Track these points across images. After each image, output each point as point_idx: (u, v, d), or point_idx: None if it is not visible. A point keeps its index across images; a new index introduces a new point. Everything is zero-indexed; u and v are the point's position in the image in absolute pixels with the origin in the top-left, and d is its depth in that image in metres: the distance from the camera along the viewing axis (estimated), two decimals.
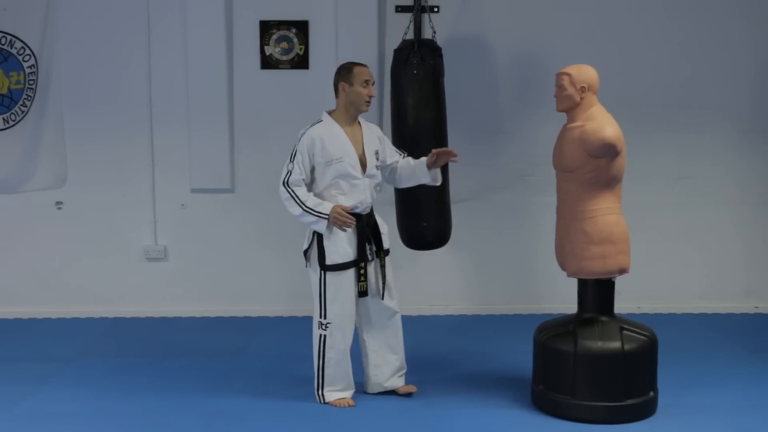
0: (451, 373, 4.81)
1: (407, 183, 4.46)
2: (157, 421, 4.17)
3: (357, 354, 4.44)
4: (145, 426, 4.11)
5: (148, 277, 5.92)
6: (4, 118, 5.70)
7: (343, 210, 4.17)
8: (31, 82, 5.71)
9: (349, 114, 4.29)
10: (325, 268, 4.23)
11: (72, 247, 5.90)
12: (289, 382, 4.65)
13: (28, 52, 5.68)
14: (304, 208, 4.17)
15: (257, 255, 5.92)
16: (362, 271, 4.25)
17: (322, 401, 4.35)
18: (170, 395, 4.49)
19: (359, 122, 4.34)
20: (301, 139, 4.24)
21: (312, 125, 4.28)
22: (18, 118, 5.72)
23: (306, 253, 4.31)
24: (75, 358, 5.10)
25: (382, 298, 4.36)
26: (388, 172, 4.44)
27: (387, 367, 4.44)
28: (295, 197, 4.19)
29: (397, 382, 4.47)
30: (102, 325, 5.76)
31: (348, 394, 4.37)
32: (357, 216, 4.24)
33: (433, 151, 4.30)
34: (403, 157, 4.45)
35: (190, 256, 5.93)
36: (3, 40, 5.64)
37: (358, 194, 4.24)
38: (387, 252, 4.39)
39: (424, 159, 4.34)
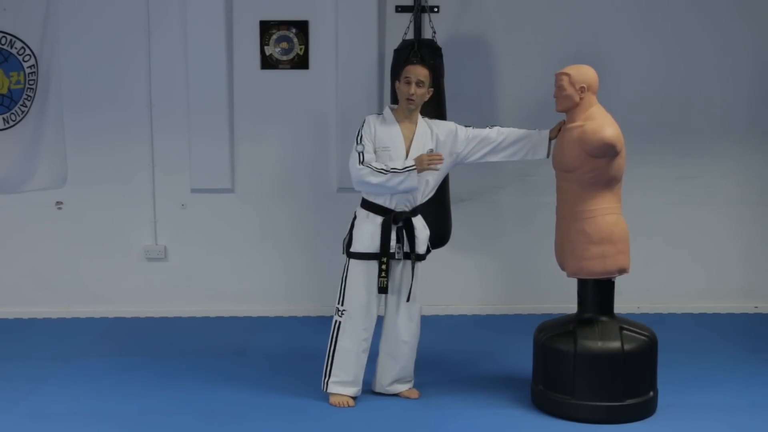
0: (451, 373, 4.82)
1: (511, 155, 4.38)
2: (157, 420, 4.16)
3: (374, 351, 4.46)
4: (145, 426, 4.11)
5: (148, 277, 5.92)
6: (4, 118, 5.70)
7: (430, 155, 4.19)
8: (31, 82, 5.71)
9: (403, 110, 4.32)
10: (349, 254, 4.31)
11: (72, 247, 5.90)
12: (289, 382, 4.65)
13: (28, 52, 5.68)
14: (389, 170, 4.19)
15: (257, 255, 5.92)
16: (383, 267, 4.25)
17: (325, 389, 4.36)
18: (170, 395, 4.49)
19: (418, 120, 4.33)
20: (363, 124, 4.33)
21: (373, 114, 4.40)
22: (18, 118, 5.72)
23: (344, 241, 4.39)
24: (75, 358, 5.10)
25: (404, 302, 4.36)
26: (477, 147, 4.35)
27: (390, 371, 4.44)
28: (374, 169, 4.21)
29: (400, 388, 4.47)
30: (102, 325, 5.76)
31: (351, 391, 4.36)
32: (387, 211, 4.26)
33: (560, 123, 4.29)
34: (491, 127, 4.40)
35: (190, 256, 5.93)
36: (3, 40, 5.63)
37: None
38: (420, 257, 4.36)
39: (538, 132, 4.32)
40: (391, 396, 4.46)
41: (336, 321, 4.34)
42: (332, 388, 4.35)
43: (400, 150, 4.26)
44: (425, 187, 4.32)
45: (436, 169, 4.24)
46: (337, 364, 4.33)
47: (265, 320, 5.86)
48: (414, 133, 4.30)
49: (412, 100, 4.26)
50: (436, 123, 4.39)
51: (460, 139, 4.35)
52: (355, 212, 4.38)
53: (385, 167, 4.19)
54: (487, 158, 4.40)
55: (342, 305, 4.32)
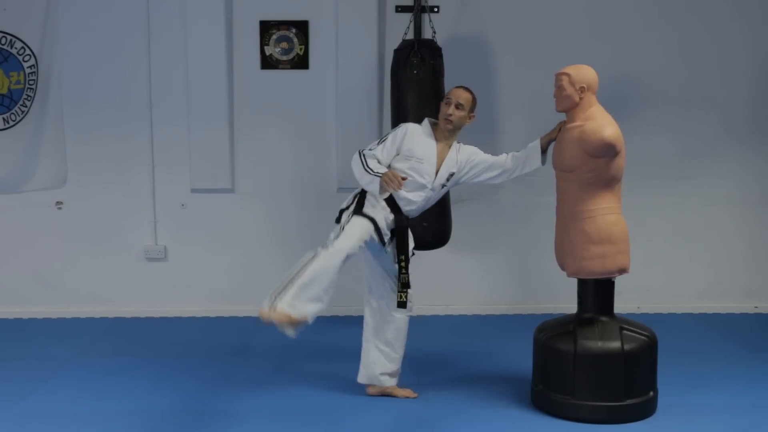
0: (451, 373, 4.82)
1: (510, 175, 4.45)
2: (157, 421, 4.16)
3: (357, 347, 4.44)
4: (145, 426, 4.11)
5: (148, 277, 5.92)
6: (4, 118, 5.70)
7: (397, 174, 4.20)
8: (31, 82, 5.71)
9: (441, 130, 4.37)
10: (359, 213, 4.24)
11: (72, 247, 5.90)
12: (290, 382, 4.65)
13: (28, 52, 5.69)
14: (366, 167, 4.26)
15: (257, 255, 5.92)
16: (403, 264, 4.26)
17: (272, 307, 3.87)
18: (170, 395, 4.49)
19: (453, 144, 4.38)
20: (399, 127, 4.39)
21: (416, 125, 4.42)
22: (18, 118, 5.72)
23: (342, 211, 4.35)
24: (75, 358, 5.10)
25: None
26: (481, 171, 4.42)
27: (387, 362, 4.42)
28: (362, 160, 4.29)
29: (391, 381, 4.46)
30: (102, 325, 5.76)
31: (315, 308, 3.95)
32: (397, 209, 4.28)
33: (560, 123, 4.30)
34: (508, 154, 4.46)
35: (190, 256, 5.93)
36: (3, 40, 5.64)
37: (414, 196, 4.29)
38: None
39: (532, 145, 4.37)
40: (391, 396, 4.45)
41: (318, 252, 4.06)
42: (284, 305, 3.87)
43: (431, 166, 4.30)
44: (410, 204, 4.31)
45: (391, 189, 4.20)
46: (304, 284, 3.92)
47: None
48: (446, 156, 4.35)
49: (450, 120, 4.32)
50: (463, 149, 4.43)
51: (471, 163, 4.40)
52: (363, 190, 4.33)
53: (367, 163, 4.26)
54: (488, 182, 4.48)
55: (334, 240, 4.14)
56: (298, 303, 3.88)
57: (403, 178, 4.22)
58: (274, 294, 3.91)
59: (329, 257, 4.02)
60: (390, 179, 4.17)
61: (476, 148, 4.45)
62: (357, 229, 4.16)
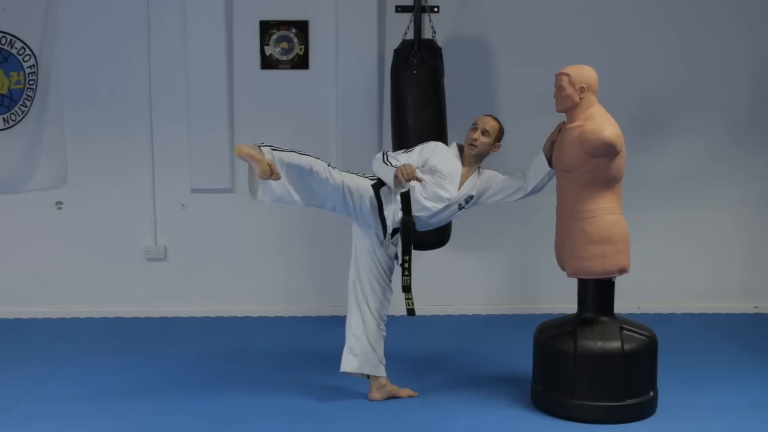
0: (451, 373, 4.82)
1: (524, 194, 4.47)
2: (157, 421, 4.16)
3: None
4: (145, 426, 4.11)
5: (148, 277, 5.92)
6: (4, 118, 5.70)
7: (412, 167, 4.24)
8: (31, 82, 5.71)
9: (466, 154, 4.41)
10: (374, 185, 4.29)
11: (72, 247, 5.90)
12: (289, 383, 4.65)
13: (28, 52, 5.69)
14: (385, 160, 4.32)
15: (257, 255, 5.92)
16: (406, 265, 4.30)
17: (257, 145, 4.04)
18: (170, 395, 4.49)
19: (476, 171, 4.42)
20: (429, 143, 4.44)
21: (444, 145, 4.49)
22: (18, 118, 5.72)
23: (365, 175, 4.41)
24: (75, 358, 5.10)
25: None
26: (496, 194, 4.46)
27: (376, 348, 4.42)
28: (384, 157, 4.34)
29: (382, 369, 4.42)
30: (102, 325, 5.76)
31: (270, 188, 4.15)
32: (408, 210, 4.30)
33: (559, 124, 4.32)
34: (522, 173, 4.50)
35: (190, 256, 5.93)
36: (3, 40, 5.64)
37: (429, 204, 4.32)
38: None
39: (537, 157, 4.38)
40: (395, 398, 4.44)
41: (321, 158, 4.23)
42: (268, 153, 4.03)
43: (454, 185, 4.35)
44: (423, 210, 4.32)
45: (403, 180, 4.21)
46: (291, 162, 4.09)
47: (265, 320, 5.86)
48: (468, 178, 4.39)
49: (474, 146, 4.36)
50: (484, 173, 4.46)
51: (488, 185, 4.44)
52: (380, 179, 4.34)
53: (388, 158, 4.33)
54: (506, 200, 4.50)
55: (339, 178, 4.21)
56: (276, 164, 4.02)
57: (419, 179, 4.25)
58: (266, 144, 4.07)
59: (324, 168, 4.15)
60: (404, 170, 4.20)
61: (496, 172, 4.50)
62: (358, 180, 4.27)
